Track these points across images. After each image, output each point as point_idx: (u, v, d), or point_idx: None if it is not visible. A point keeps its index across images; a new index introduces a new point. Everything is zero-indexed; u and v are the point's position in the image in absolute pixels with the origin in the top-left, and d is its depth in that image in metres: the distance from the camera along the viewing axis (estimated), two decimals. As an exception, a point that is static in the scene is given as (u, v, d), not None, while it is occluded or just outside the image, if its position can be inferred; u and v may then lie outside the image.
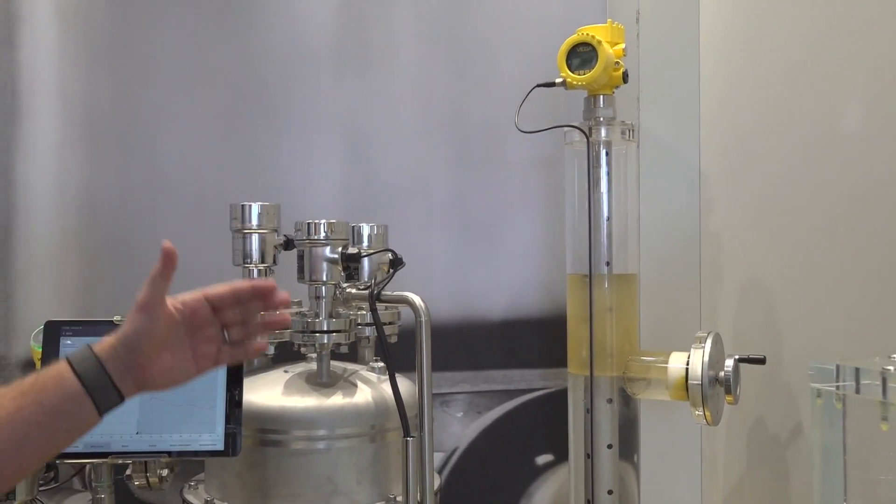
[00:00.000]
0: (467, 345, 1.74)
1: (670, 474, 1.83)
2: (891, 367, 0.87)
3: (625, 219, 1.71)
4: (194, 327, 0.97)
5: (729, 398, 1.61)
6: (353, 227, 1.61)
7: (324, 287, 1.48)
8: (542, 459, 1.96)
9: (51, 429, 0.87)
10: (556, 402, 1.89)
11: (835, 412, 0.93)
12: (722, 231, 1.88)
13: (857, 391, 0.89)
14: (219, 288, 0.97)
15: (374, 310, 1.45)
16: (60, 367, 0.90)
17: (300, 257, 1.49)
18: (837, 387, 0.92)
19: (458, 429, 1.91)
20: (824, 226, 1.83)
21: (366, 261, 1.55)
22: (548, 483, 1.97)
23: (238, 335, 0.99)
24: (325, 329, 1.47)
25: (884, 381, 0.87)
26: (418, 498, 1.40)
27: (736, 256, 1.87)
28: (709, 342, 1.61)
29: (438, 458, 1.91)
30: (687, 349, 1.62)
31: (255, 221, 1.55)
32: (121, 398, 0.92)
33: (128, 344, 0.92)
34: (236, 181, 1.87)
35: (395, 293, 1.43)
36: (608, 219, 1.68)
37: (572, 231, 1.72)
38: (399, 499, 1.44)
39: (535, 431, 1.93)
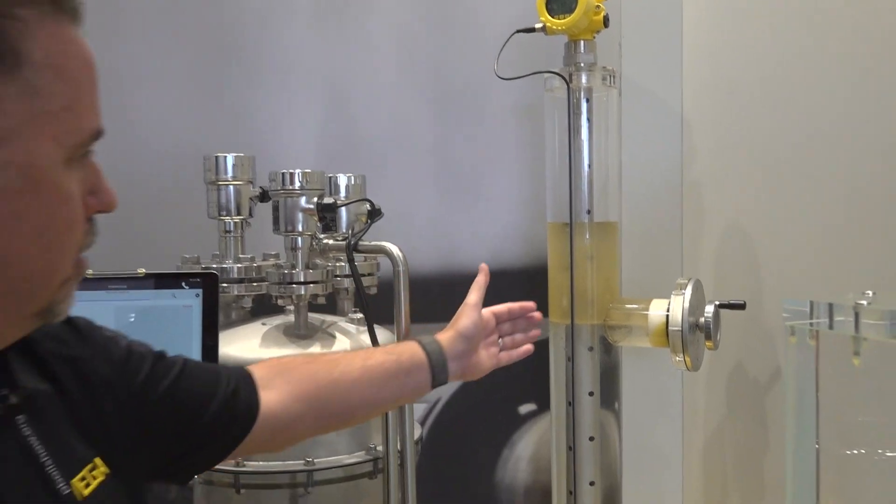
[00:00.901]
0: (449, 296, 1.73)
1: (651, 421, 1.85)
2: (864, 302, 0.86)
3: (606, 166, 1.69)
4: (487, 333, 1.24)
5: (709, 344, 1.61)
6: (330, 177, 1.59)
7: (300, 238, 1.47)
8: (525, 409, 1.97)
9: (402, 382, 1.11)
10: (539, 352, 1.87)
11: (808, 349, 0.93)
12: (704, 178, 1.86)
13: (831, 327, 0.89)
14: (500, 307, 1.27)
15: (351, 260, 1.44)
16: (413, 344, 1.15)
17: (275, 208, 1.48)
18: (811, 324, 0.92)
19: (440, 380, 1.92)
20: (805, 171, 1.82)
21: (343, 211, 1.53)
22: (531, 432, 1.98)
23: (508, 343, 1.28)
24: (302, 280, 1.46)
25: (856, 315, 0.86)
26: (398, 447, 1.41)
27: (718, 203, 1.86)
28: (689, 289, 1.61)
29: (421, 409, 1.92)
30: (669, 297, 1.61)
31: (229, 173, 1.53)
32: (446, 378, 1.15)
33: (466, 335, 1.18)
34: (212, 134, 1.85)
35: (372, 243, 1.42)
36: (589, 166, 1.66)
37: (553, 179, 1.70)
38: (379, 448, 1.45)
39: (518, 381, 1.94)
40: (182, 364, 0.90)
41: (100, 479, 0.74)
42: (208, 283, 1.35)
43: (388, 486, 1.40)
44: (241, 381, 0.96)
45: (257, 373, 0.99)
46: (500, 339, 1.27)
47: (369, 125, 1.91)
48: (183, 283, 1.35)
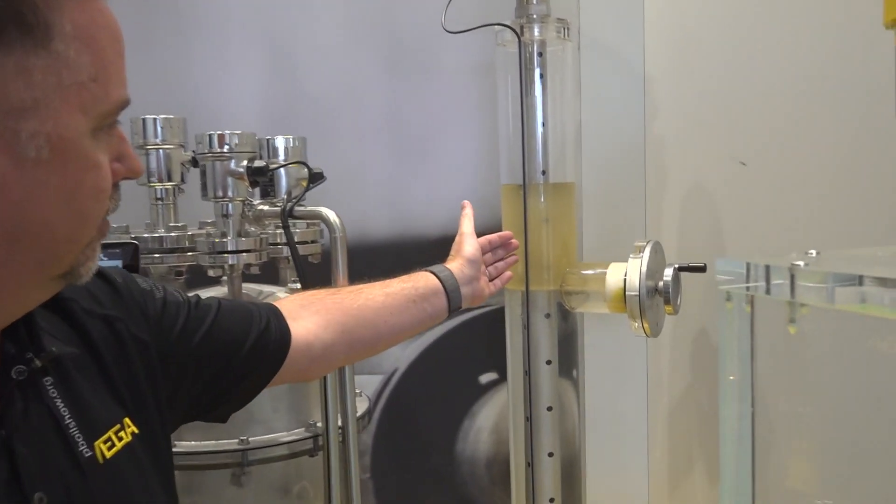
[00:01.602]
0: (405, 263, 1.67)
1: (614, 389, 1.78)
2: (800, 263, 0.78)
3: (562, 125, 1.60)
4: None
5: (668, 309, 1.54)
6: (268, 140, 1.51)
7: (230, 204, 1.39)
8: (486, 378, 1.91)
9: (421, 307, 1.15)
10: (500, 320, 1.82)
11: (744, 317, 0.85)
12: (667, 136, 1.78)
13: (768, 292, 0.81)
14: (481, 239, 1.32)
15: (286, 227, 1.37)
16: (425, 273, 1.20)
17: (203, 173, 1.40)
18: (748, 288, 0.84)
19: (396, 350, 1.85)
20: (771, 127, 1.74)
21: (283, 176, 1.46)
22: (492, 402, 1.92)
23: (493, 272, 1.34)
24: (233, 249, 1.38)
25: (792, 278, 0.78)
26: (339, 423, 1.35)
27: (682, 163, 1.78)
28: (647, 251, 1.53)
29: (377, 380, 1.86)
30: (624, 259, 1.54)
31: (158, 136, 1.45)
32: (460, 303, 1.21)
33: (472, 260, 1.25)
34: (145, 96, 1.73)
35: (308, 209, 1.35)
36: (543, 125, 1.58)
37: (506, 139, 1.62)
38: (319, 425, 1.38)
39: (478, 350, 1.87)
40: (217, 308, 0.92)
41: (126, 440, 0.75)
42: (128, 254, 1.27)
43: (329, 463, 1.34)
44: (271, 315, 0.97)
45: (285, 306, 1.01)
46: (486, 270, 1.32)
47: (316, 84, 1.82)
48: (102, 254, 1.27)
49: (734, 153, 1.75)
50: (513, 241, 1.38)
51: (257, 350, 0.93)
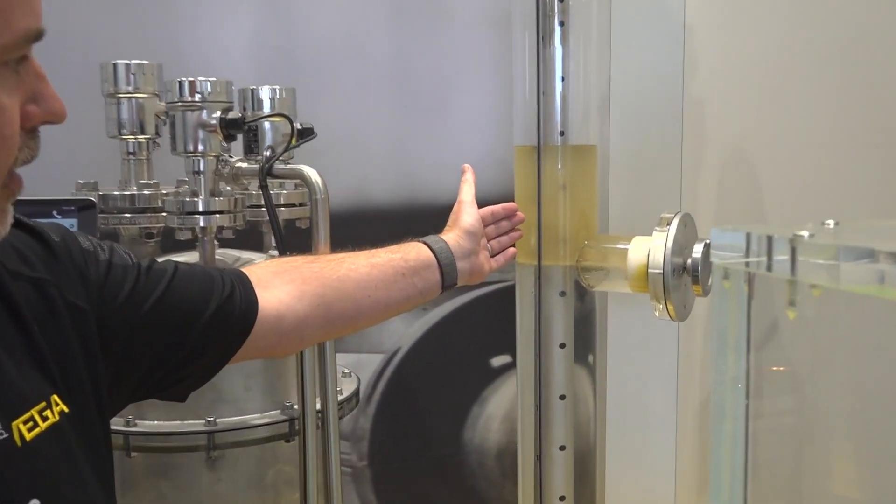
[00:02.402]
0: (411, 232, 1.54)
1: (640, 378, 1.60)
2: (804, 234, 0.60)
3: (585, 80, 1.42)
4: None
5: (696, 289, 1.35)
6: (253, 90, 1.36)
7: (202, 160, 1.25)
8: (498, 361, 1.74)
9: (410, 282, 1.04)
10: (504, 299, 1.65)
11: (741, 297, 0.68)
12: (707, 95, 1.58)
13: (769, 268, 0.63)
14: (483, 210, 1.20)
15: (264, 187, 1.22)
16: (417, 244, 1.10)
17: (172, 124, 1.25)
18: (747, 264, 0.66)
19: (399, 327, 1.69)
20: (819, 88, 1.53)
21: (268, 132, 1.31)
22: (505, 386, 1.75)
23: (495, 246, 1.23)
24: (204, 210, 1.24)
25: (793, 252, 0.60)
26: (318, 406, 1.20)
27: (723, 125, 1.58)
28: (675, 224, 1.35)
29: (377, 360, 1.70)
30: (649, 233, 1.35)
31: (130, 84, 1.30)
32: (456, 278, 1.11)
33: (471, 231, 1.14)
34: (119, 40, 1.59)
35: (287, 167, 1.21)
36: (563, 79, 1.40)
37: (522, 95, 1.44)
38: (296, 407, 1.24)
39: (490, 330, 1.70)
40: (172, 273, 0.83)
41: (52, 420, 0.67)
42: (85, 213, 1.14)
43: (305, 451, 1.20)
44: (237, 281, 0.88)
45: (255, 273, 0.92)
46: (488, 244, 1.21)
47: (315, 31, 1.65)
48: (54, 212, 1.15)
49: (781, 116, 1.54)
50: (518, 213, 1.26)
51: (218, 320, 0.84)
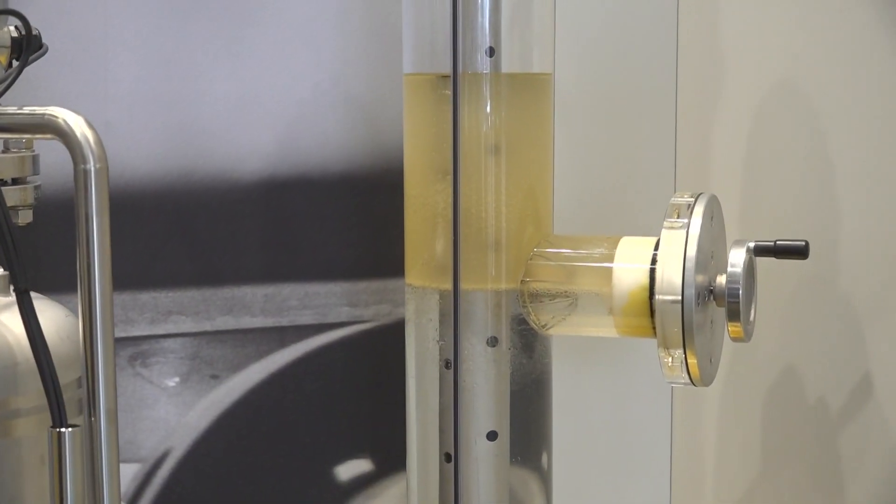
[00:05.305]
0: (187, 227, 0.94)
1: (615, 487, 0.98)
2: None
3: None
4: None
5: (734, 328, 0.80)
6: None
7: None
8: (350, 470, 1.05)
9: None
10: (377, 350, 1.00)
11: None
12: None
13: None
14: None
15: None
16: None
17: None
18: None
19: (171, 413, 0.94)
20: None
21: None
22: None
23: None
24: None
25: None
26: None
27: (740, 55, 1.04)
28: (698, 214, 0.78)
29: (130, 471, 0.95)
30: (648, 230, 0.81)
31: None
32: None
33: None
34: None
35: (26, 111, 0.58)
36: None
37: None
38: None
39: (335, 412, 1.01)
40: None
41: None
42: None
43: None
44: None
45: None
46: None
47: None
48: None
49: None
50: None
51: None
